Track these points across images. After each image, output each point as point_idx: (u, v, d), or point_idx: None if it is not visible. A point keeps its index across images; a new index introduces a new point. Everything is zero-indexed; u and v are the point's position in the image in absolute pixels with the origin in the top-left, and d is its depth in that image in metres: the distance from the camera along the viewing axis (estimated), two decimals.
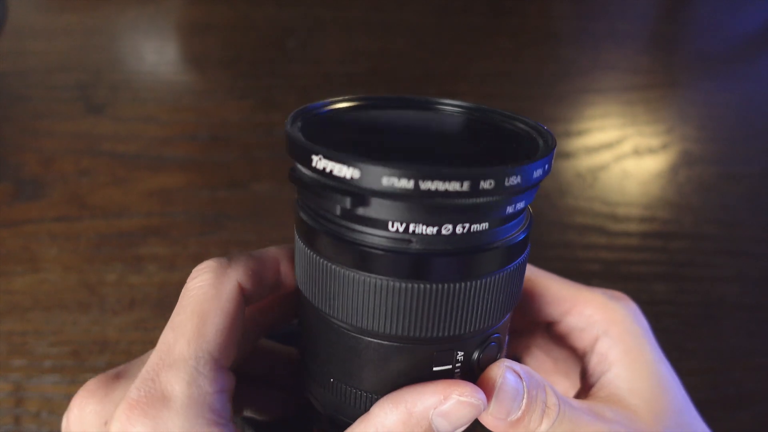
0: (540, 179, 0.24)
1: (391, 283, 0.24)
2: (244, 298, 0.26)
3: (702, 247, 0.58)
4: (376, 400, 0.26)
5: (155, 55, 0.65)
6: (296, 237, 0.27)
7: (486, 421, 0.26)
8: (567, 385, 0.36)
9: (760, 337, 0.53)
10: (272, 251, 0.28)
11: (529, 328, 0.38)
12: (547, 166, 0.24)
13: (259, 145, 0.59)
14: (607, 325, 0.33)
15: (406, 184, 0.22)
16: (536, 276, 0.35)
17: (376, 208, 0.23)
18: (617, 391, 0.31)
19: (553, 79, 0.65)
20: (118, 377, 0.26)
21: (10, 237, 0.53)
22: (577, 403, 0.29)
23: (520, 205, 0.24)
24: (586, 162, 0.60)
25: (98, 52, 0.63)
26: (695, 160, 0.61)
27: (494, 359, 0.27)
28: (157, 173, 0.57)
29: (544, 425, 0.26)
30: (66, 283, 0.51)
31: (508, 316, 0.28)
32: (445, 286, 0.24)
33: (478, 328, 0.25)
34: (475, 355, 0.26)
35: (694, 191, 0.60)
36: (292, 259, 0.28)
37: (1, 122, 0.59)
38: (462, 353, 0.26)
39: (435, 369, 0.26)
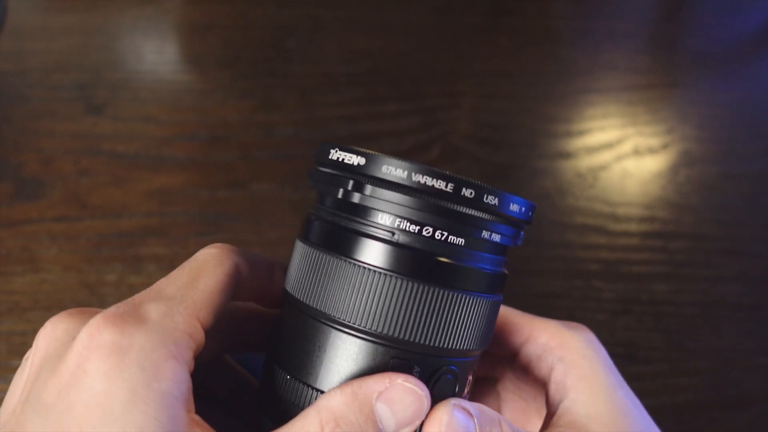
0: (517, 217, 0.28)
1: (368, 270, 0.26)
2: (237, 283, 0.28)
3: (702, 247, 0.58)
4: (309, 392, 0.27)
5: (155, 55, 0.65)
6: (296, 241, 0.30)
7: None
8: (539, 422, 0.36)
9: (760, 337, 0.53)
10: (271, 258, 0.32)
11: (497, 368, 0.38)
12: (524, 209, 0.28)
13: (259, 145, 0.59)
14: (562, 352, 0.33)
15: (401, 174, 0.26)
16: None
17: (370, 198, 0.27)
18: (576, 417, 0.30)
19: (553, 79, 0.65)
20: (98, 310, 0.26)
21: (10, 237, 0.53)
22: None
23: (495, 237, 0.27)
24: (586, 162, 0.60)
25: (98, 52, 0.63)
26: (695, 160, 0.61)
27: (448, 395, 0.27)
28: (157, 173, 0.57)
29: None
30: (66, 283, 0.51)
31: (472, 359, 0.28)
32: (412, 283, 0.26)
33: (436, 344, 0.26)
34: (431, 379, 0.27)
35: (694, 191, 0.60)
36: (284, 270, 0.30)
37: (1, 122, 0.59)
38: (419, 370, 0.27)
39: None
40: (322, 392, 0.27)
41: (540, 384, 0.34)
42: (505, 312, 0.35)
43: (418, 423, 0.26)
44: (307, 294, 0.27)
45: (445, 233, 0.27)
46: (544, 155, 0.60)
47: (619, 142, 0.62)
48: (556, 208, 0.58)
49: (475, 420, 0.26)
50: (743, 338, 0.54)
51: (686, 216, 0.59)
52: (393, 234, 0.27)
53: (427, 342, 0.26)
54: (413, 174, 0.26)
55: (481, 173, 0.59)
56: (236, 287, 0.28)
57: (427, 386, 0.26)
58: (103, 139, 0.58)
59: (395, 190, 0.26)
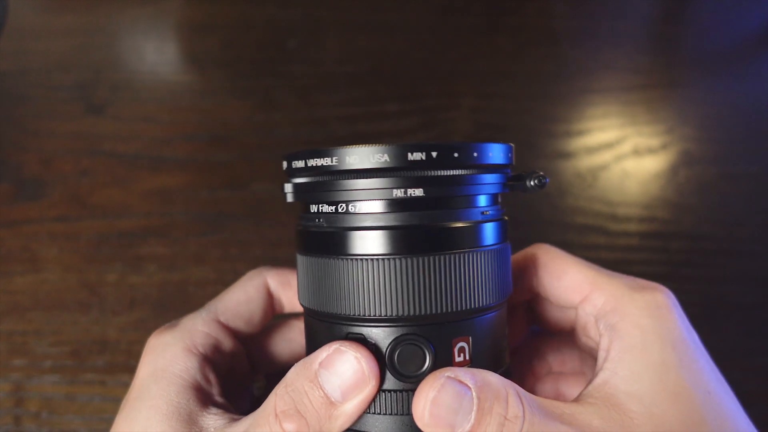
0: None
1: (303, 257, 0.29)
2: (271, 293, 0.35)
3: (702, 247, 0.58)
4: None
5: (155, 55, 0.65)
6: None
7: None
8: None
9: (760, 337, 0.54)
10: None
11: (553, 321, 0.36)
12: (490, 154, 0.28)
13: (259, 145, 0.59)
14: (615, 317, 0.29)
15: (302, 164, 0.28)
16: (555, 259, 0.32)
17: (299, 193, 0.29)
18: (613, 392, 0.27)
19: (553, 79, 0.65)
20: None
21: (10, 237, 0.53)
22: (560, 409, 0.26)
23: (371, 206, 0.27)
24: (586, 162, 0.60)
25: (98, 52, 0.63)
26: (695, 160, 0.61)
27: (418, 365, 0.26)
28: (157, 173, 0.57)
29: None
30: (66, 283, 0.51)
31: (448, 324, 0.27)
32: (328, 260, 0.27)
33: (371, 313, 0.26)
34: (387, 349, 0.26)
35: (694, 191, 0.60)
36: None
37: (1, 122, 0.59)
38: (372, 341, 0.27)
39: None
40: None
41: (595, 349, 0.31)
42: (563, 264, 0.32)
43: (365, 389, 0.26)
44: (301, 297, 0.30)
45: (353, 203, 0.27)
46: (543, 155, 0.60)
47: (618, 142, 0.62)
48: (555, 208, 0.58)
49: (474, 393, 0.25)
50: (743, 338, 0.54)
51: (686, 216, 0.59)
52: (319, 220, 0.28)
53: (355, 312, 0.26)
54: (309, 161, 0.28)
55: None
56: (272, 298, 0.35)
57: (387, 357, 0.26)
58: (103, 139, 0.58)
59: (313, 178, 0.28)
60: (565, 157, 0.60)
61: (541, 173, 0.29)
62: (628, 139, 0.62)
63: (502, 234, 0.29)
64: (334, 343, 0.26)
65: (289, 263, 0.52)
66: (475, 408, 0.25)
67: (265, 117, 0.61)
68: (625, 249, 0.57)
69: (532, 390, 0.36)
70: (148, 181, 0.56)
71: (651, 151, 0.62)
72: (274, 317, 0.37)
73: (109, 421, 0.46)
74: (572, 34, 0.68)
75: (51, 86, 0.61)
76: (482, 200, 0.28)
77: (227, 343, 0.33)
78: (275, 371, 0.38)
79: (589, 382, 0.28)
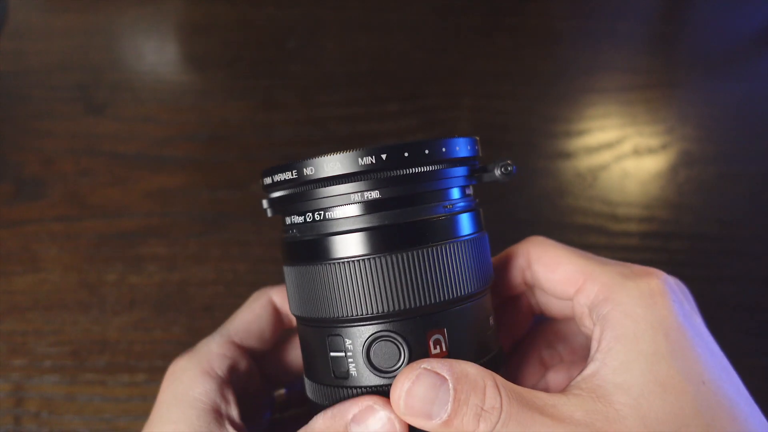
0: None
1: (286, 267, 0.30)
2: (277, 309, 0.37)
3: (702, 247, 0.58)
4: (309, 384, 0.30)
5: (155, 55, 0.65)
6: None
7: (410, 422, 0.26)
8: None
9: (760, 338, 0.54)
10: None
11: (556, 310, 0.35)
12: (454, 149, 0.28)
13: (259, 145, 0.59)
14: (608, 307, 0.28)
15: (271, 180, 0.29)
16: (549, 251, 0.32)
17: (274, 207, 0.30)
18: (601, 383, 0.26)
19: (552, 78, 0.65)
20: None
21: (10, 237, 0.53)
22: (542, 400, 0.26)
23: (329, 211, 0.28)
24: (586, 162, 0.60)
25: (98, 52, 0.63)
26: (695, 160, 0.61)
27: (394, 360, 0.27)
28: (157, 173, 0.57)
29: (482, 427, 0.25)
30: (66, 283, 0.51)
31: (418, 318, 0.27)
32: (305, 267, 0.28)
33: (346, 314, 0.27)
34: (363, 347, 0.27)
35: (694, 191, 0.60)
36: None
37: (1, 122, 0.59)
38: (350, 341, 0.27)
39: (332, 354, 0.28)
40: (313, 382, 0.30)
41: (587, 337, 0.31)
42: (556, 256, 0.32)
43: None
44: (290, 307, 0.31)
45: (321, 212, 0.28)
46: (543, 155, 0.60)
47: (618, 142, 0.62)
48: (555, 208, 0.58)
49: (450, 385, 0.25)
50: (743, 338, 0.54)
51: (686, 216, 0.59)
52: (292, 231, 0.29)
53: (330, 314, 0.27)
54: (274, 177, 0.29)
55: None
56: (278, 314, 0.37)
57: (364, 355, 0.27)
58: (103, 139, 0.58)
59: (284, 191, 0.29)
60: (565, 157, 0.60)
61: (509, 161, 0.30)
62: (628, 139, 0.62)
63: (474, 225, 0.30)
64: (368, 398, 0.27)
65: None
66: (451, 399, 0.25)
67: (265, 117, 0.61)
68: (625, 249, 0.57)
69: (544, 380, 0.36)
70: (148, 181, 0.56)
71: (651, 151, 0.62)
72: (283, 332, 0.38)
73: (109, 421, 0.46)
74: (572, 34, 0.68)
75: (51, 86, 0.61)
76: (448, 194, 0.29)
77: (243, 362, 0.34)
78: (292, 381, 0.39)
79: (579, 372, 0.28)
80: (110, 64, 0.63)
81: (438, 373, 0.25)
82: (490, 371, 0.26)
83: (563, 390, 0.27)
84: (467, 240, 0.28)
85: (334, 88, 0.62)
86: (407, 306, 0.27)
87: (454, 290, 0.27)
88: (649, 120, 0.63)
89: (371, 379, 0.27)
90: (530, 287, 0.35)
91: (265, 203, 0.31)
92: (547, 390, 0.30)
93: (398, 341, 0.27)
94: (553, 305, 0.35)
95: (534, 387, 0.35)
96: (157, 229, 0.54)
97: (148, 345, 0.48)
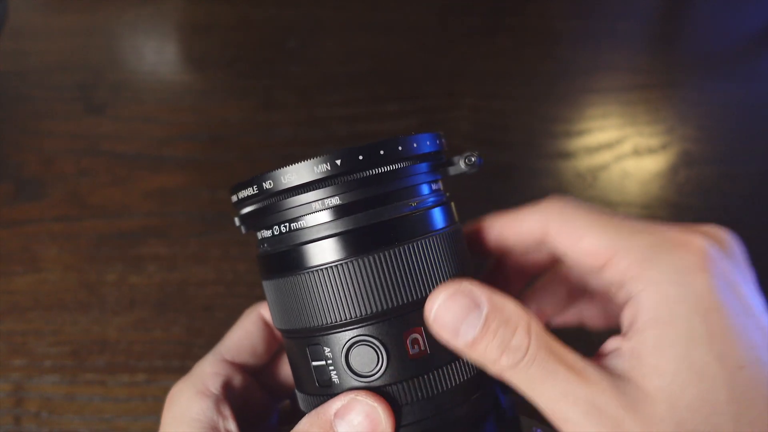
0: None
1: (263, 282, 0.30)
2: (268, 324, 0.37)
3: None
4: (298, 395, 0.30)
5: (155, 55, 0.65)
6: None
7: (436, 333, 0.26)
8: None
9: None
10: None
11: (575, 284, 0.34)
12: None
13: (259, 145, 0.59)
14: (639, 286, 0.26)
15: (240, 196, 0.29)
16: (571, 221, 0.30)
17: (244, 225, 0.31)
18: (634, 365, 0.25)
19: (553, 79, 0.65)
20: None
21: (10, 237, 0.53)
22: (573, 360, 0.25)
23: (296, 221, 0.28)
24: (586, 162, 0.60)
25: (98, 52, 0.63)
26: (695, 160, 0.61)
27: (373, 363, 0.27)
28: (157, 173, 0.57)
29: (505, 360, 0.25)
30: (66, 283, 0.51)
31: (395, 319, 0.27)
32: (278, 280, 0.28)
33: (321, 323, 0.27)
34: (342, 354, 0.27)
35: (693, 191, 0.60)
36: None
37: (1, 122, 0.59)
38: (329, 349, 0.27)
39: (314, 363, 0.28)
40: (301, 392, 0.30)
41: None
42: (586, 228, 0.28)
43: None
44: (273, 321, 0.31)
45: (287, 224, 0.28)
46: (543, 155, 0.60)
47: (618, 142, 0.62)
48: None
49: (484, 312, 0.25)
50: None
51: (686, 216, 0.59)
52: (264, 245, 0.29)
53: (303, 324, 0.27)
54: (238, 193, 0.29)
55: (480, 173, 0.59)
56: (270, 328, 0.37)
57: (342, 361, 0.27)
58: (103, 139, 0.58)
59: (251, 208, 0.29)
60: (565, 157, 0.60)
61: (474, 154, 0.30)
62: (628, 139, 0.62)
63: (445, 219, 0.29)
64: (351, 393, 0.27)
65: None
66: (480, 324, 0.25)
67: (265, 117, 0.61)
68: None
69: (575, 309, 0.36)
70: (148, 181, 0.56)
71: (651, 151, 0.62)
72: (280, 345, 0.38)
73: (109, 421, 0.46)
74: (572, 34, 0.68)
75: (51, 86, 0.61)
76: (414, 191, 0.28)
77: (237, 378, 0.35)
78: (294, 392, 0.39)
79: (611, 351, 0.27)
80: (110, 64, 0.63)
81: (473, 298, 0.26)
82: (529, 315, 0.26)
83: (595, 358, 0.26)
84: (438, 235, 0.28)
85: (334, 88, 0.62)
86: (381, 308, 0.26)
87: (428, 287, 0.27)
88: (649, 120, 0.63)
89: (354, 385, 0.27)
90: (554, 259, 0.34)
91: (237, 221, 0.31)
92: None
93: (375, 344, 0.27)
94: (576, 267, 0.33)
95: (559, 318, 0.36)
96: (157, 229, 0.54)
97: (148, 345, 0.48)
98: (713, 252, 0.26)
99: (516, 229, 0.33)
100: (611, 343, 0.27)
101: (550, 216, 0.31)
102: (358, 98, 0.62)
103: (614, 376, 0.25)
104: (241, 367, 0.36)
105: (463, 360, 0.28)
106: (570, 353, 0.26)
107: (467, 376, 0.28)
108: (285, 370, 0.38)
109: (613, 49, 0.67)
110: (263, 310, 0.37)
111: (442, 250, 0.28)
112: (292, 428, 0.35)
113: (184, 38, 0.66)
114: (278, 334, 0.37)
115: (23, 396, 0.46)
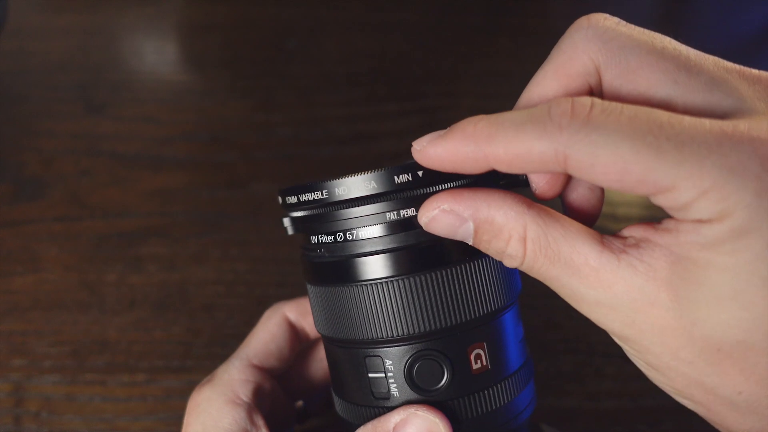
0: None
1: (312, 287, 0.29)
2: (293, 325, 0.36)
3: None
4: (344, 404, 0.29)
5: (155, 55, 0.65)
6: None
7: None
8: None
9: None
10: None
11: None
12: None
13: (259, 145, 0.59)
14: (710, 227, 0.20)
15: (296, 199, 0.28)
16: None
17: (298, 226, 0.29)
18: (670, 262, 0.21)
19: None
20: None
21: (10, 237, 0.53)
22: (582, 257, 0.23)
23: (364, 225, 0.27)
24: None
25: (98, 52, 0.63)
26: None
27: (437, 378, 0.27)
28: (157, 173, 0.57)
29: (506, 262, 0.25)
30: (66, 283, 0.51)
31: (460, 334, 0.27)
32: (335, 288, 0.28)
33: (384, 335, 0.27)
34: (404, 367, 0.27)
35: None
36: None
37: (1, 122, 0.59)
38: (390, 362, 0.27)
39: (371, 375, 0.28)
40: (349, 403, 0.29)
41: None
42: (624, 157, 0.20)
43: None
44: (317, 325, 0.31)
45: (354, 231, 0.27)
46: None
47: None
48: (556, 208, 0.58)
49: (471, 226, 0.24)
50: None
51: None
52: (320, 251, 0.28)
53: (365, 336, 0.27)
54: (299, 196, 0.28)
55: None
56: (295, 330, 0.36)
57: (406, 374, 0.27)
58: (103, 139, 0.58)
59: (310, 211, 0.28)
60: None
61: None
62: None
63: None
64: (410, 407, 0.26)
65: (289, 262, 0.52)
66: (471, 236, 0.25)
67: (265, 117, 0.61)
68: None
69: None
70: (148, 181, 0.56)
71: None
72: (301, 346, 0.38)
73: (109, 421, 0.46)
74: None
75: (51, 86, 0.61)
76: None
77: (266, 384, 0.34)
78: (310, 393, 0.39)
79: (640, 241, 0.22)
80: (110, 64, 0.63)
81: (459, 215, 0.24)
82: (524, 220, 0.24)
83: (620, 248, 0.22)
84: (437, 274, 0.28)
85: (334, 88, 0.63)
86: (449, 323, 0.26)
87: (493, 303, 0.27)
88: None
89: (412, 399, 0.27)
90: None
91: (286, 221, 0.30)
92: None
93: (440, 359, 0.27)
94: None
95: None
96: (157, 229, 0.54)
97: (148, 345, 0.48)
98: None
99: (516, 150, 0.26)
100: (636, 232, 0.23)
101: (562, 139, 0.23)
102: (358, 98, 0.62)
103: (636, 276, 0.21)
104: (269, 372, 0.34)
105: (519, 373, 0.28)
106: (582, 250, 0.23)
107: (521, 391, 0.28)
108: (304, 372, 0.37)
109: None
110: (288, 312, 0.36)
111: (502, 266, 0.28)
112: (304, 428, 0.35)
113: (184, 38, 0.66)
114: (302, 336, 0.37)
115: (23, 396, 0.46)
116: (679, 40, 0.26)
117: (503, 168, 0.23)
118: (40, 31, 0.64)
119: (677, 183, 0.20)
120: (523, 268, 0.24)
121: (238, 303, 0.50)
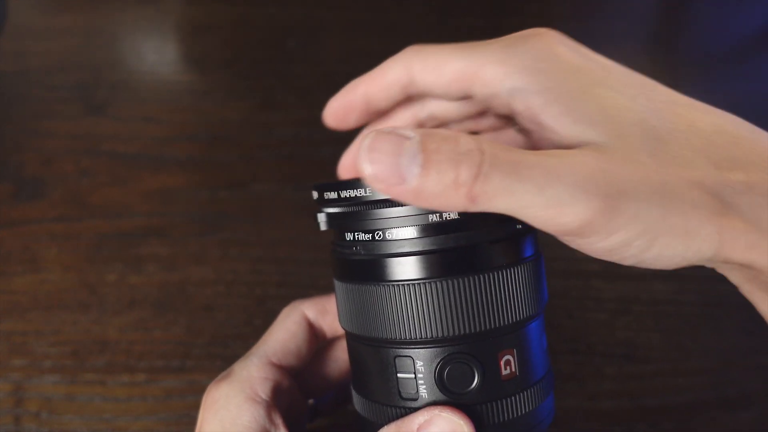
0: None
1: (342, 283, 0.29)
2: (311, 324, 0.36)
3: None
4: (367, 403, 0.29)
5: (155, 55, 0.65)
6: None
7: (382, 190, 0.23)
8: None
9: (760, 337, 0.53)
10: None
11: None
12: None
13: (259, 145, 0.59)
14: (517, 78, 0.27)
15: (334, 195, 0.28)
16: (431, 54, 0.31)
17: (334, 222, 0.29)
18: (566, 129, 0.26)
19: None
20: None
21: (10, 237, 0.53)
22: (539, 151, 0.24)
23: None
24: None
25: (98, 52, 0.63)
26: None
27: (468, 382, 0.27)
28: (157, 173, 0.57)
29: (465, 172, 0.22)
30: (66, 283, 0.51)
31: (491, 339, 0.27)
32: (369, 286, 0.27)
33: (417, 336, 0.27)
34: (435, 369, 0.27)
35: None
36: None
37: (1, 122, 0.59)
38: (421, 363, 0.27)
39: (400, 375, 0.28)
40: (373, 402, 0.29)
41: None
42: (446, 55, 0.30)
43: None
44: (343, 322, 0.31)
45: (392, 230, 0.27)
46: None
47: None
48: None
49: (417, 137, 0.23)
50: (743, 338, 0.54)
51: None
52: (355, 248, 0.28)
53: (398, 336, 0.27)
54: (341, 192, 0.28)
55: None
56: (313, 328, 0.36)
57: (436, 377, 0.27)
58: (103, 139, 0.58)
59: (345, 208, 0.28)
60: None
61: None
62: None
63: (535, 245, 0.30)
64: (434, 408, 0.26)
65: (289, 262, 0.52)
66: (419, 150, 0.23)
67: (265, 117, 0.61)
68: None
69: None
70: (148, 181, 0.56)
71: None
72: (318, 345, 0.37)
73: (109, 421, 0.46)
74: (572, 34, 0.68)
75: (51, 86, 0.61)
76: None
77: (285, 382, 0.34)
78: (324, 391, 0.38)
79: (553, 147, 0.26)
80: (110, 64, 0.63)
81: (400, 134, 0.23)
82: (472, 135, 0.24)
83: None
84: (533, 261, 0.29)
85: (334, 88, 0.62)
86: (482, 328, 0.26)
87: (524, 310, 0.27)
88: None
89: (440, 400, 0.27)
90: (413, 100, 0.35)
91: (321, 217, 0.30)
92: None
93: (472, 363, 0.27)
94: (450, 111, 0.34)
95: None
96: (157, 229, 0.54)
97: (148, 345, 0.48)
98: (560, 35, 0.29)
99: (380, 82, 0.33)
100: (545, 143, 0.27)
101: (410, 59, 0.32)
102: None
103: (599, 149, 0.25)
104: (287, 371, 0.34)
105: (543, 382, 0.28)
106: (531, 152, 0.24)
107: (543, 400, 0.28)
108: (317, 371, 0.37)
109: (613, 50, 0.67)
110: (306, 310, 0.36)
111: (536, 275, 0.28)
112: (313, 427, 0.35)
113: (184, 38, 0.66)
114: (320, 334, 0.37)
115: (23, 396, 0.46)
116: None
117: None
118: (40, 31, 0.64)
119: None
120: (485, 171, 0.22)
121: (238, 303, 0.50)
